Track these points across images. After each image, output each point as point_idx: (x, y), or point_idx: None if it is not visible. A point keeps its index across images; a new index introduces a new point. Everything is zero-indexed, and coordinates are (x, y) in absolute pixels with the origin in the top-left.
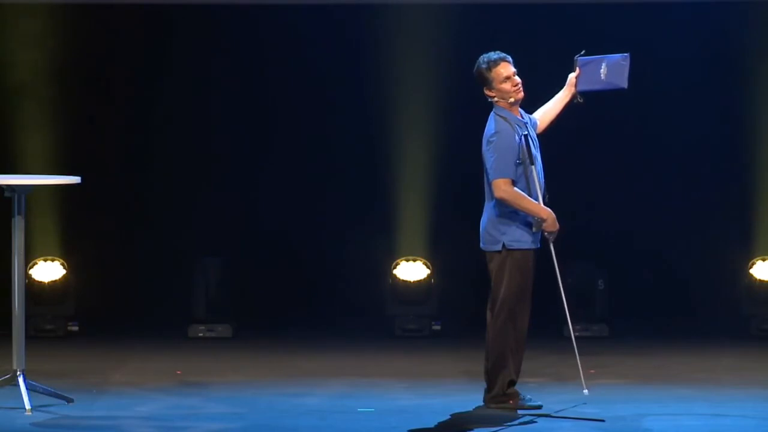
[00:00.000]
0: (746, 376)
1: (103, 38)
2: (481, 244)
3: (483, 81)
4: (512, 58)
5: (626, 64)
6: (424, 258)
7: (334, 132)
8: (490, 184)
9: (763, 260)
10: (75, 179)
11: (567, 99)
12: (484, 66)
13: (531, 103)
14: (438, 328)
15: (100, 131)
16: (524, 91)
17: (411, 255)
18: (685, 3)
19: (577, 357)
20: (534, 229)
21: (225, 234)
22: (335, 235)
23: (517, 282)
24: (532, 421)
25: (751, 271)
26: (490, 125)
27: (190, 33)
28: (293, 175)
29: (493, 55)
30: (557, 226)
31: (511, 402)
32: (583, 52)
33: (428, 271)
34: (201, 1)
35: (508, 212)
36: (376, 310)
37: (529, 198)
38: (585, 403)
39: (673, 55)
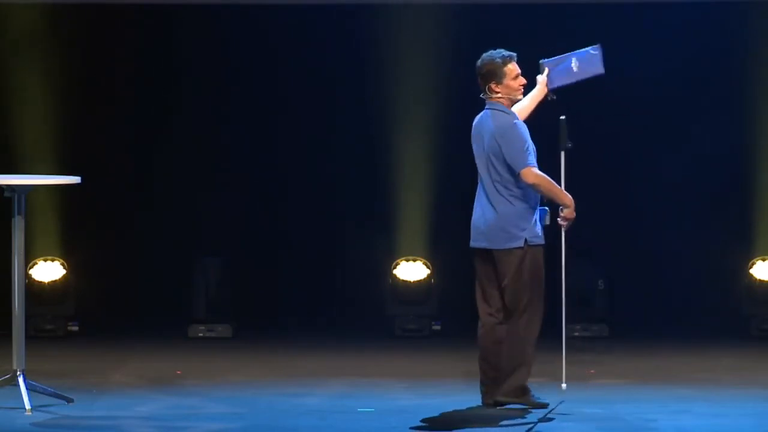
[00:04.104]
0: (746, 376)
1: (104, 38)
2: (488, 244)
3: (493, 76)
4: None
5: (598, 53)
6: (424, 258)
7: (334, 132)
8: (514, 176)
9: (763, 260)
10: (75, 179)
11: (540, 97)
12: (498, 60)
13: None
14: (438, 328)
15: (100, 131)
16: (524, 90)
17: (411, 255)
18: (685, 3)
19: (563, 351)
20: (547, 222)
21: (225, 234)
22: (335, 235)
23: (538, 277)
24: (532, 421)
25: (751, 271)
26: (500, 118)
27: (191, 33)
28: (293, 175)
29: (504, 52)
30: (574, 214)
31: (523, 397)
32: (542, 61)
33: (428, 271)
34: (202, 0)
35: (524, 208)
36: (376, 310)
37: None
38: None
39: (673, 55)
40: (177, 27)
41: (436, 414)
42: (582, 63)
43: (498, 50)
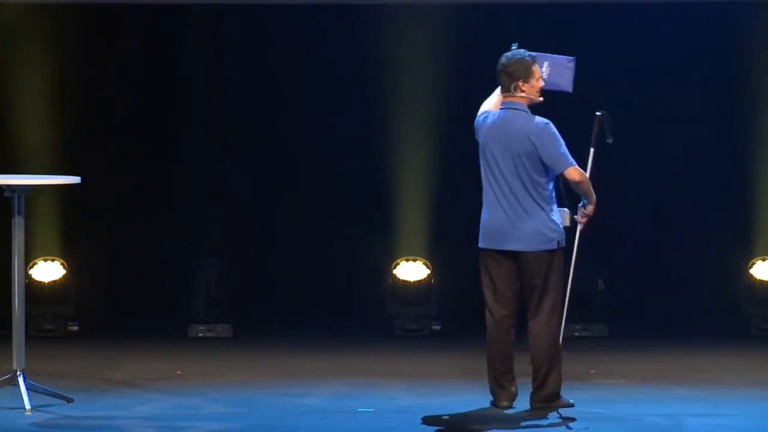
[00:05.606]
0: (746, 376)
1: (104, 38)
2: (518, 245)
3: (524, 74)
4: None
5: (572, 67)
6: (424, 258)
7: (334, 131)
8: (544, 177)
9: (763, 260)
10: (75, 179)
11: None
12: (528, 59)
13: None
14: (438, 328)
15: (100, 131)
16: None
17: (411, 255)
18: (685, 3)
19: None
20: (567, 224)
21: (225, 234)
22: (335, 234)
23: (562, 278)
24: (532, 421)
25: (751, 271)
26: (527, 119)
27: (190, 33)
28: (293, 175)
29: (528, 52)
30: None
31: (557, 401)
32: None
33: (428, 271)
34: (202, 0)
35: (551, 209)
36: (376, 310)
37: None
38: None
39: (672, 55)
40: (178, 27)
41: (436, 414)
42: (553, 71)
43: (520, 50)
